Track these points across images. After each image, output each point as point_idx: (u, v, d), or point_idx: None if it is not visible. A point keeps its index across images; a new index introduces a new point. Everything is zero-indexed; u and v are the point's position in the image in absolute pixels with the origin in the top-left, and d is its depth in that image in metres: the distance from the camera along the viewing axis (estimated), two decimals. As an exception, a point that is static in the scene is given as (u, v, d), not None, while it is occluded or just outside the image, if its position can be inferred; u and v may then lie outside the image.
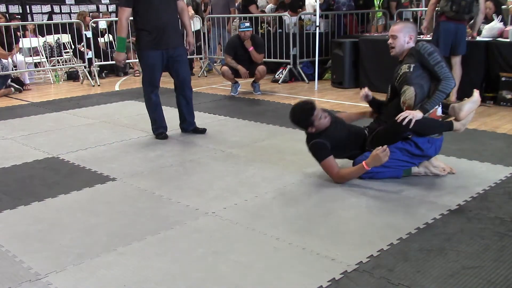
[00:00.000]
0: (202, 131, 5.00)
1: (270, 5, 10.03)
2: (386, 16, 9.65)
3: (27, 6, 12.44)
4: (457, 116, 3.48)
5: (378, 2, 10.00)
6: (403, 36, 3.52)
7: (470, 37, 6.04)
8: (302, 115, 3.49)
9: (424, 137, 3.41)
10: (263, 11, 9.81)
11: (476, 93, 3.52)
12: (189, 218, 2.99)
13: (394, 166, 3.45)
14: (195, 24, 9.17)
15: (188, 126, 5.00)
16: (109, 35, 9.72)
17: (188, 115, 4.97)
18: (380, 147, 3.27)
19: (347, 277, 2.30)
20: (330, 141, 3.47)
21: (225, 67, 7.11)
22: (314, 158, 3.53)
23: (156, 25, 4.48)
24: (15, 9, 12.26)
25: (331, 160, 3.46)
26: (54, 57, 9.57)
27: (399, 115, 3.32)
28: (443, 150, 4.11)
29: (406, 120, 3.27)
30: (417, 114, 3.29)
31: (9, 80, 7.92)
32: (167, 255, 2.55)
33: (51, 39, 9.80)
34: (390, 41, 3.59)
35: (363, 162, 3.35)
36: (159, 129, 4.86)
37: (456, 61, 5.83)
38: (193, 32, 5.04)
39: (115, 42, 9.66)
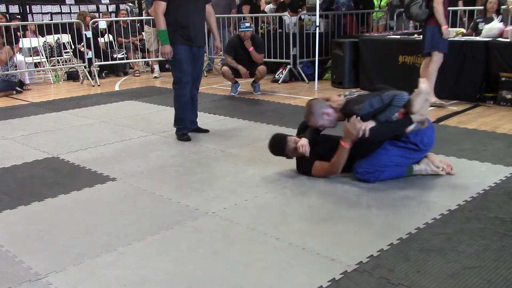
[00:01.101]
0: (205, 130, 5.01)
1: (270, 5, 10.04)
2: (386, 16, 9.66)
3: (27, 6, 12.43)
4: (411, 110, 3.42)
5: (378, 2, 10.01)
6: (320, 120, 3.55)
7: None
8: (275, 152, 3.76)
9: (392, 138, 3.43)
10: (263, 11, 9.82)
11: (421, 84, 3.46)
12: (189, 218, 2.99)
13: (396, 163, 3.45)
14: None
15: (190, 125, 5.01)
16: (109, 35, 9.71)
17: (192, 114, 4.98)
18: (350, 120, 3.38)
19: (347, 277, 2.30)
20: (313, 154, 3.59)
21: (225, 67, 7.11)
22: (305, 175, 3.64)
23: (183, 23, 4.54)
24: (15, 9, 12.26)
25: (317, 164, 3.56)
26: (54, 57, 9.56)
27: (346, 125, 3.39)
28: (443, 150, 4.12)
29: (361, 133, 3.32)
30: (369, 124, 3.34)
31: (15, 87, 7.93)
32: (167, 255, 2.55)
33: (51, 39, 9.79)
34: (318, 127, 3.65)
35: (340, 142, 3.41)
36: (184, 130, 4.79)
37: (433, 58, 5.83)
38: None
39: (115, 42, 9.73)
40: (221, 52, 5.20)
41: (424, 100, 3.43)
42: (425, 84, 3.46)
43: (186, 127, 4.81)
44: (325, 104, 3.56)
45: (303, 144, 3.56)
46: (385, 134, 3.44)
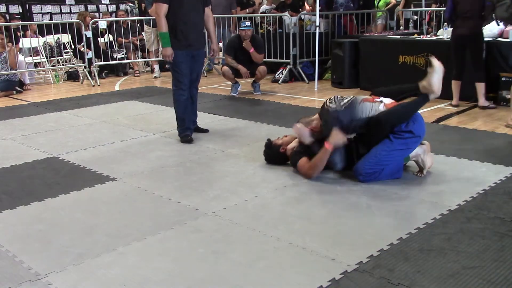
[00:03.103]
0: (205, 130, 5.01)
1: (264, 6, 10.04)
2: (386, 16, 9.66)
3: (27, 6, 12.43)
4: (431, 90, 3.45)
5: (376, 3, 10.01)
6: (307, 136, 3.65)
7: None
8: (271, 160, 3.94)
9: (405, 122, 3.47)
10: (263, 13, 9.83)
11: (434, 62, 3.48)
12: (189, 218, 2.99)
13: (396, 157, 3.46)
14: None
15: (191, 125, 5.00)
16: (109, 35, 9.71)
17: (192, 114, 4.98)
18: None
19: (347, 277, 2.30)
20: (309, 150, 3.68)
21: (225, 67, 7.11)
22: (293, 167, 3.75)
23: (183, 26, 4.54)
24: (15, 9, 12.25)
25: (303, 160, 3.64)
26: (54, 57, 9.56)
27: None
28: (443, 150, 4.12)
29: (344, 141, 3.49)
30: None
31: (16, 86, 7.94)
32: (167, 255, 2.55)
33: (51, 39, 9.79)
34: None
35: (325, 143, 3.46)
36: (186, 131, 4.75)
37: None
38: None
39: (115, 43, 9.73)
40: (216, 55, 5.22)
41: (441, 80, 3.46)
42: (437, 62, 3.48)
43: (188, 127, 4.78)
44: (308, 121, 3.70)
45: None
46: (406, 116, 3.45)
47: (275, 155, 3.89)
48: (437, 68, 3.43)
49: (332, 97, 3.67)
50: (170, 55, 4.54)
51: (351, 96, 3.63)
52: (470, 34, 5.63)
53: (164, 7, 4.47)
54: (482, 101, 5.77)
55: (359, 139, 3.61)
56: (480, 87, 5.74)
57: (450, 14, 5.82)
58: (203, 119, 5.36)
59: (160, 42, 4.57)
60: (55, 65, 9.69)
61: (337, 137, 3.44)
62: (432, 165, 3.63)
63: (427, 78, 3.45)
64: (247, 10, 9.84)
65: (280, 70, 8.46)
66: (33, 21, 11.94)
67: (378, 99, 3.53)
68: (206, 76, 9.24)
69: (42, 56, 9.34)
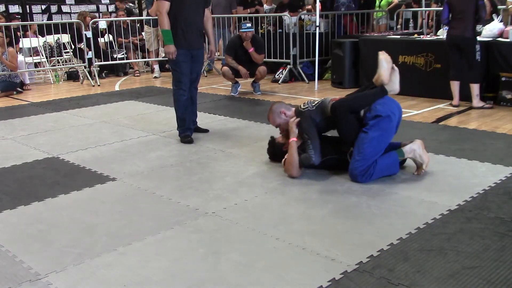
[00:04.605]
0: (205, 130, 5.02)
1: (264, 6, 10.04)
2: (386, 16, 9.67)
3: (27, 6, 12.43)
4: (382, 81, 3.59)
5: (378, 2, 10.02)
6: (278, 119, 3.80)
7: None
8: (273, 156, 4.01)
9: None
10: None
11: (380, 56, 3.65)
12: (189, 218, 2.99)
13: (378, 143, 3.46)
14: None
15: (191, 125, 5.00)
16: (109, 35, 9.71)
17: (192, 114, 4.98)
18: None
19: (347, 277, 2.30)
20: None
21: (225, 67, 7.11)
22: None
23: (186, 25, 4.56)
24: (15, 9, 12.26)
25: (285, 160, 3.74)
26: (54, 57, 9.56)
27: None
28: (443, 150, 4.12)
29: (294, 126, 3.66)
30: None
31: (17, 87, 7.94)
32: (167, 255, 2.55)
33: (51, 39, 9.79)
34: (278, 128, 3.90)
35: (289, 140, 3.64)
36: (186, 131, 4.75)
37: None
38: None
39: (115, 43, 9.73)
40: (214, 56, 5.30)
41: (389, 69, 3.61)
42: (384, 55, 3.65)
43: (189, 128, 4.78)
44: (287, 106, 3.85)
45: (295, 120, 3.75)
46: (362, 104, 3.55)
47: (277, 153, 3.90)
48: (383, 61, 3.60)
49: (306, 101, 3.80)
50: (173, 52, 4.54)
51: (322, 98, 3.77)
52: (462, 35, 5.65)
53: (166, 5, 4.49)
54: (475, 102, 5.79)
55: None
56: (474, 88, 5.76)
57: (447, 16, 5.82)
58: (203, 119, 5.36)
59: (163, 40, 4.59)
60: (55, 65, 9.69)
61: (290, 129, 3.64)
62: (429, 162, 3.62)
63: (377, 71, 3.61)
64: (248, 10, 9.82)
65: (280, 70, 8.46)
66: (33, 21, 11.93)
67: None
68: (206, 76, 9.25)
69: (42, 56, 9.34)
